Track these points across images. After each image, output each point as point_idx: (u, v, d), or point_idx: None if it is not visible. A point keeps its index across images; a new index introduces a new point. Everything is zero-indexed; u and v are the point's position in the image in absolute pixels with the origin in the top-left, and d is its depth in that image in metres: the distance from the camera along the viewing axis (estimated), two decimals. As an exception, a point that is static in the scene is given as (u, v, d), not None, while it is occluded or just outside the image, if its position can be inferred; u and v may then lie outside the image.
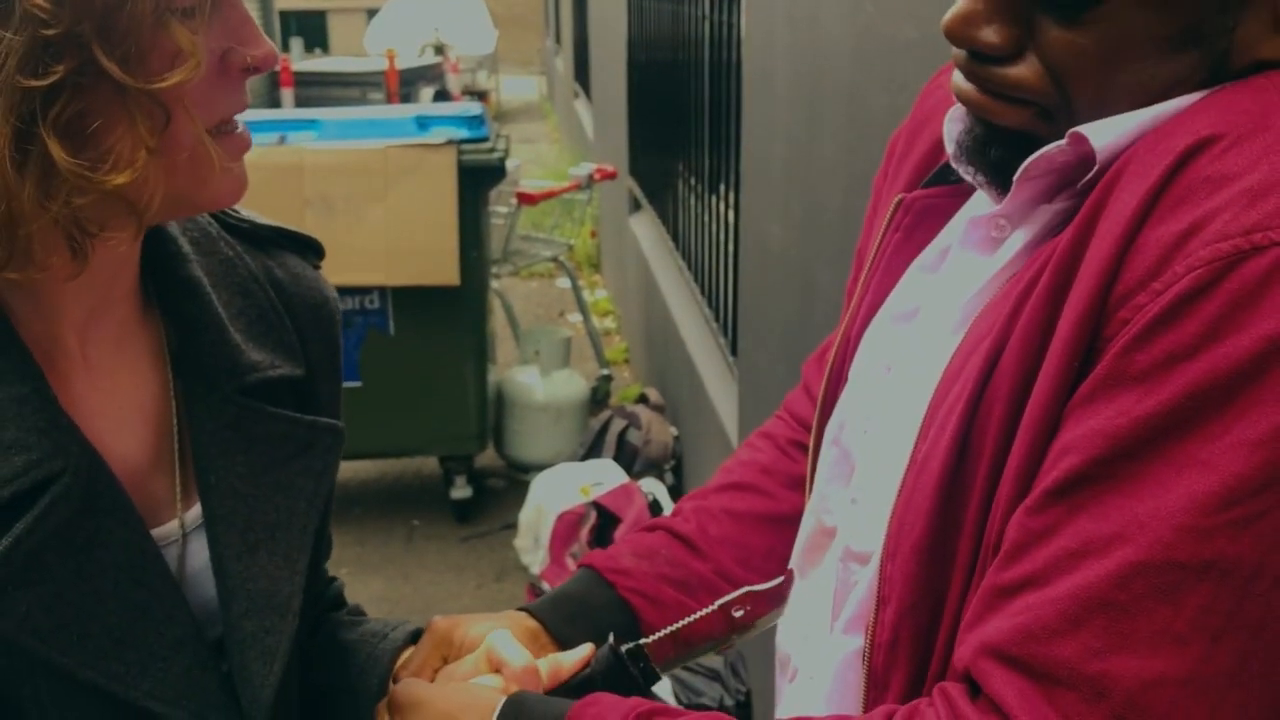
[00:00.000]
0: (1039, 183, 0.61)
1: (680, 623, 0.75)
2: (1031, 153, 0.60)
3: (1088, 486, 0.52)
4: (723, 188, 2.90)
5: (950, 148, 0.66)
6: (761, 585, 0.75)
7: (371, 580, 3.25)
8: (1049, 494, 0.53)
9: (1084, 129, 0.58)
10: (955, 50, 0.63)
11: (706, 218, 3.18)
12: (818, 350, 0.94)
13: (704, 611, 0.75)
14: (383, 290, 3.21)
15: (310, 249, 0.83)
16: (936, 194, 0.72)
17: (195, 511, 0.74)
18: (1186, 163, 0.52)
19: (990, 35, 0.60)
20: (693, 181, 3.42)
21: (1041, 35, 0.59)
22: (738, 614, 0.74)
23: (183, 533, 0.73)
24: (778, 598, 0.74)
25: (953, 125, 0.66)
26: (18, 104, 0.56)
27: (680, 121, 3.58)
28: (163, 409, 0.73)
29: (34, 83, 0.56)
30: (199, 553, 0.73)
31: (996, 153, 0.63)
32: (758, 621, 0.75)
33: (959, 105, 0.65)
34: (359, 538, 3.47)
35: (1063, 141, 0.59)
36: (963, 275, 0.66)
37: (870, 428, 0.72)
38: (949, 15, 0.62)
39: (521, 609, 0.86)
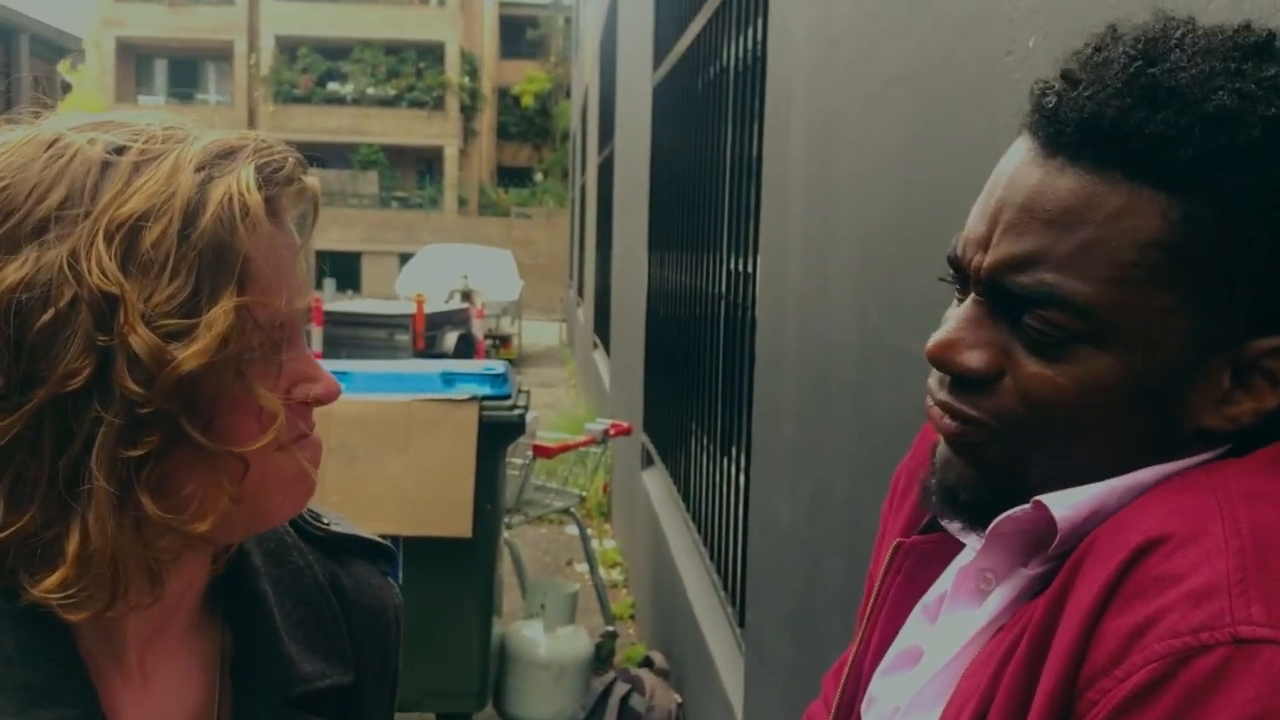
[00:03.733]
0: (1011, 539, 0.67)
1: None
2: (994, 492, 0.67)
3: None
4: (734, 450, 2.97)
5: (926, 504, 0.73)
6: None
7: (354, 847, 3.08)
8: None
9: (1045, 499, 0.64)
10: (932, 375, 0.69)
11: (717, 478, 3.24)
12: (836, 664, 0.97)
13: None
14: (395, 539, 3.24)
15: (380, 555, 0.89)
16: (933, 540, 0.78)
17: None
18: (1139, 560, 0.57)
19: (971, 360, 0.66)
20: (705, 442, 3.51)
21: (1020, 368, 0.64)
22: None
23: None
24: None
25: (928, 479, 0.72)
26: (117, 470, 0.64)
27: (694, 388, 3.71)
28: (206, 715, 0.77)
29: (130, 453, 0.64)
30: None
31: (966, 496, 0.69)
32: None
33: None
34: (345, 798, 3.32)
35: (1027, 506, 0.65)
36: (955, 627, 0.71)
37: None
38: (932, 340, 0.67)
39: None
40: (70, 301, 0.63)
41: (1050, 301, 0.62)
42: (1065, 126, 0.62)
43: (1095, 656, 0.56)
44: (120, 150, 0.66)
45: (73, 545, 0.64)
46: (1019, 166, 0.65)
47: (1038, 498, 0.64)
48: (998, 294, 0.65)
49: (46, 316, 0.62)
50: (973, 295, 0.67)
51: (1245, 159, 0.59)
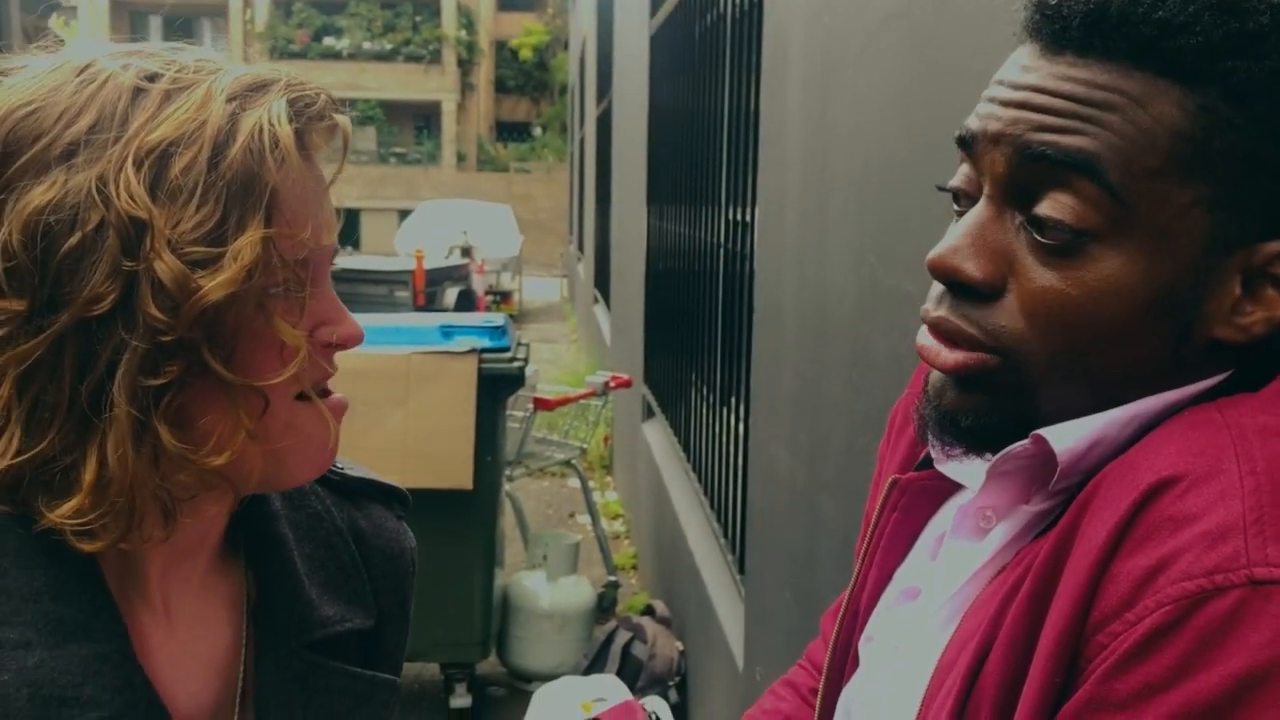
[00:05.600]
0: (1010, 476, 0.66)
1: None
2: (1002, 419, 0.64)
3: None
4: (734, 400, 2.97)
5: (923, 437, 0.70)
6: None
7: (362, 793, 3.13)
8: None
9: (1044, 432, 0.62)
10: (932, 291, 0.66)
11: (717, 428, 3.24)
12: (834, 604, 0.97)
13: None
14: (396, 492, 3.25)
15: (395, 499, 0.89)
16: (929, 476, 0.77)
17: None
18: (1151, 500, 0.55)
19: (972, 270, 0.63)
20: (705, 393, 3.51)
21: (1026, 279, 0.62)
22: None
23: None
24: None
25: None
26: (137, 398, 0.63)
27: (694, 340, 3.70)
28: (234, 657, 0.77)
29: (151, 381, 0.63)
30: None
31: (969, 422, 0.65)
32: None
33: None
34: (352, 746, 3.37)
35: (1026, 442, 0.63)
36: (956, 563, 0.70)
37: (877, 707, 0.74)
38: (934, 250, 0.64)
39: None
40: (97, 226, 0.62)
41: (1086, 170, 0.59)
42: (1070, 21, 0.60)
43: (1105, 599, 0.55)
44: (152, 78, 0.66)
45: (89, 473, 0.64)
46: (1024, 67, 0.63)
47: (1037, 432, 0.63)
48: (1022, 161, 0.61)
49: (73, 240, 0.62)
50: (985, 193, 0.64)
51: (1254, 45, 0.57)
